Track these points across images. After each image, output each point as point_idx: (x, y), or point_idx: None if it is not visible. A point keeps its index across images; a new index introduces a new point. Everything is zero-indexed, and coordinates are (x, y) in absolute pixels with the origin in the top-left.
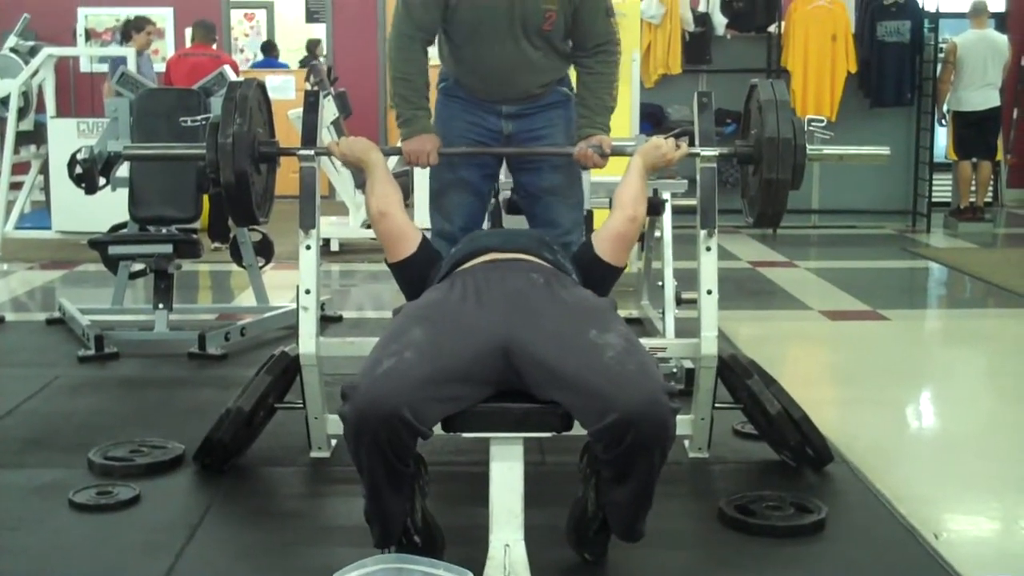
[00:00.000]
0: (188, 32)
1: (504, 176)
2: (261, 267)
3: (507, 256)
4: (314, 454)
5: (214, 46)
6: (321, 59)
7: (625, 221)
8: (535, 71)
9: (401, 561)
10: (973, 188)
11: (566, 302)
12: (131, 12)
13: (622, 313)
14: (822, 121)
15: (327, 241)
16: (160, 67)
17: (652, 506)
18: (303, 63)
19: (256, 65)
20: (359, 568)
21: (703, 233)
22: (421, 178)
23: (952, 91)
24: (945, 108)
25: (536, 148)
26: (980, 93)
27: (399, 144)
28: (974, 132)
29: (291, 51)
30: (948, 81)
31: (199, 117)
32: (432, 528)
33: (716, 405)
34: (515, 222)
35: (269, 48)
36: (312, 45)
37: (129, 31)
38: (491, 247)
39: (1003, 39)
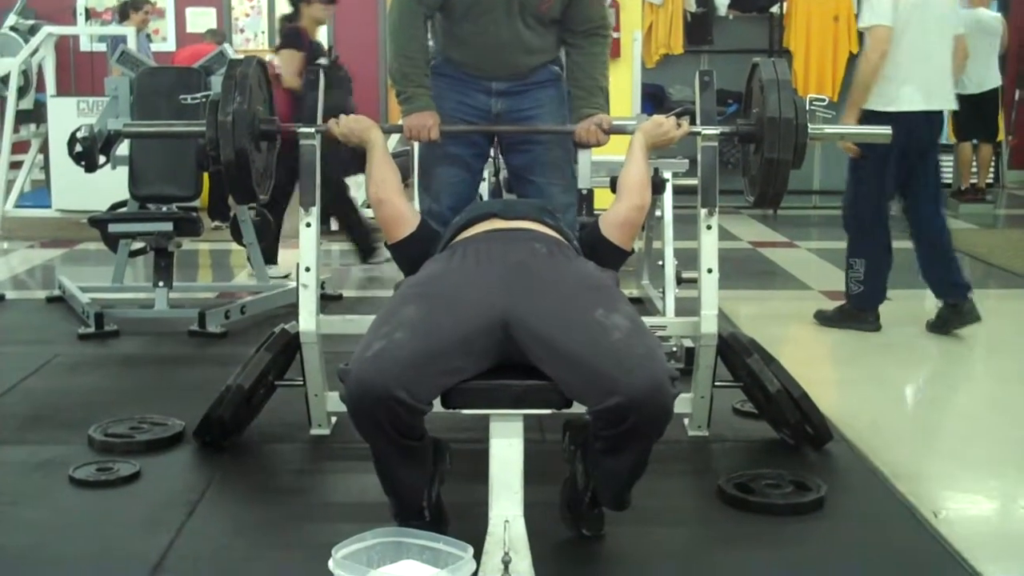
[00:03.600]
0: (189, 12)
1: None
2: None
3: (509, 225)
4: (314, 431)
5: None
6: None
7: (633, 209)
8: (528, 51)
9: (400, 535)
10: (974, 169)
11: (570, 275)
12: None
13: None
14: (824, 100)
15: (328, 220)
16: (156, 47)
17: (651, 484)
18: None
19: None
20: (359, 542)
21: (704, 212)
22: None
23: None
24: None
25: (536, 127)
26: (974, 74)
27: (400, 122)
28: (972, 113)
29: None
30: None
31: (199, 94)
32: (442, 509)
33: (716, 383)
34: None
35: None
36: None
37: (127, 10)
38: (493, 212)
39: (993, 17)
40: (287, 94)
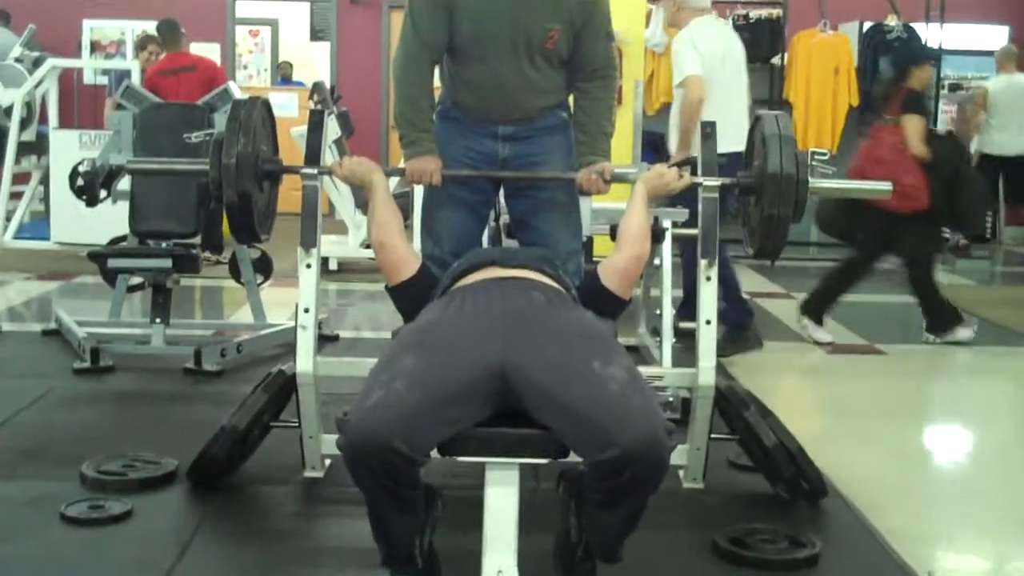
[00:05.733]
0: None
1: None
2: (259, 284)
3: (508, 273)
4: (308, 474)
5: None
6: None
7: (632, 259)
8: (534, 92)
9: None
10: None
11: (568, 325)
12: (135, 25)
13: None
14: (825, 154)
15: (325, 260)
16: None
17: (645, 536)
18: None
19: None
20: None
21: (703, 263)
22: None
23: (984, 134)
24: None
25: (538, 172)
26: (1015, 137)
27: (402, 164)
28: (1007, 175)
29: (295, 68)
30: (974, 123)
31: (202, 132)
32: (434, 557)
33: (712, 436)
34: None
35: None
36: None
37: (145, 44)
38: (492, 260)
39: None
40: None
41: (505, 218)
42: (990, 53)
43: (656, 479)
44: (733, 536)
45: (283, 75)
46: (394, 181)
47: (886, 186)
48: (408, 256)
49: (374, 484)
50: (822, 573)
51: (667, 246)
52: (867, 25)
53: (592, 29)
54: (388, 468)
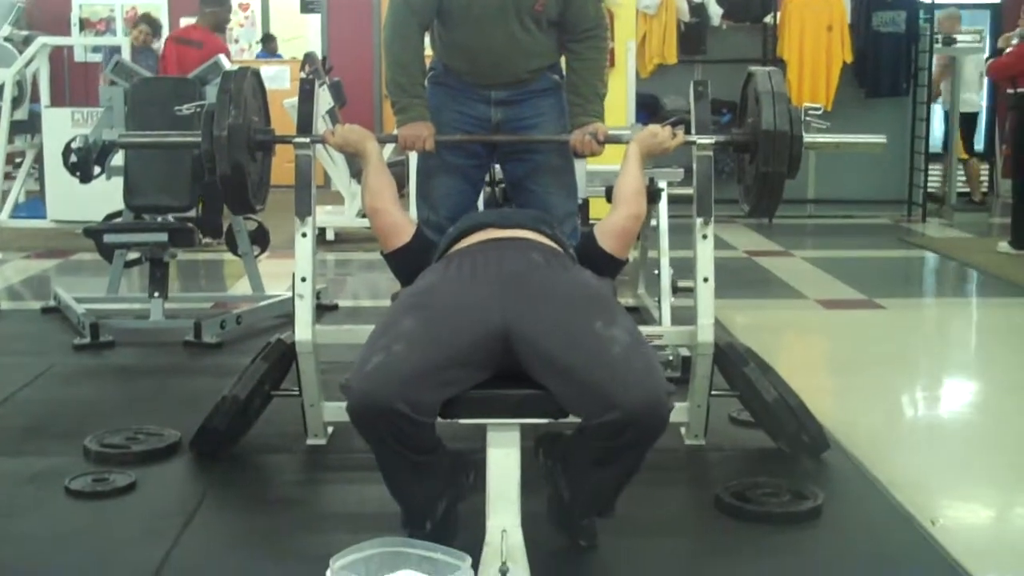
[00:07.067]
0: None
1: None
2: (256, 256)
3: (505, 234)
4: (310, 441)
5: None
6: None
7: (629, 218)
8: (525, 54)
9: (400, 545)
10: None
11: (568, 285)
12: (125, 2)
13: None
14: (819, 109)
15: (323, 230)
16: None
17: (648, 493)
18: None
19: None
20: (358, 551)
21: (699, 221)
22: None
23: (956, 92)
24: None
25: (532, 136)
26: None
27: (395, 132)
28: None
29: (284, 41)
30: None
31: (192, 104)
32: (448, 523)
33: (712, 392)
34: None
35: (267, 40)
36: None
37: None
38: (489, 223)
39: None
40: None
41: (502, 183)
42: (984, 6)
43: (654, 439)
44: (736, 490)
45: (268, 49)
46: (388, 150)
47: (880, 139)
48: (402, 221)
49: (383, 448)
50: (825, 525)
51: (663, 206)
52: None
53: None
54: (393, 430)
